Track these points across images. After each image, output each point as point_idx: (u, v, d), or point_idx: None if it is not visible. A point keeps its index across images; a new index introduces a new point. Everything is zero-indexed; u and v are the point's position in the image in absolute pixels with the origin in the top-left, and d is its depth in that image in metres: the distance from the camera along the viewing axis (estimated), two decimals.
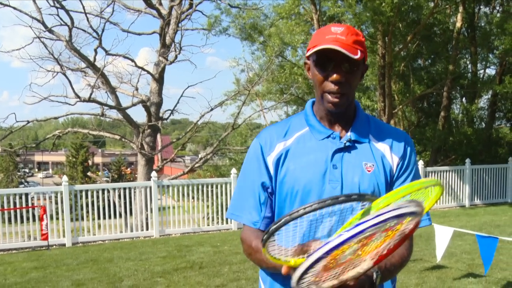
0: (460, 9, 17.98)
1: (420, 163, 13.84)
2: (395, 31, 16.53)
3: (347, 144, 1.80)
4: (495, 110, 21.92)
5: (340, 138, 1.81)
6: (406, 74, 19.92)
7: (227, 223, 11.94)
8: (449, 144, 19.55)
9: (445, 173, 14.63)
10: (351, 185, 1.75)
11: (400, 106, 18.70)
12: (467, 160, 14.99)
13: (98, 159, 67.92)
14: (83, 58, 14.55)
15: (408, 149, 1.86)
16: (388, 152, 1.82)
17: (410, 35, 17.00)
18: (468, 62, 21.79)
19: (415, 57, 20.47)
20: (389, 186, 1.80)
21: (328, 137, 1.81)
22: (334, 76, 1.69)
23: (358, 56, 1.66)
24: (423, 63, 21.82)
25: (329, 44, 1.66)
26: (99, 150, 75.02)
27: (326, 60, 1.71)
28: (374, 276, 1.48)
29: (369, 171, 1.77)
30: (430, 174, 14.08)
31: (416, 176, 1.86)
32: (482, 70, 22.21)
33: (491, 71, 23.45)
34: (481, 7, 20.90)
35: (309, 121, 1.87)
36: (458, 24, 17.95)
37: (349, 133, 1.82)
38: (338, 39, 1.67)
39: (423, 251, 8.34)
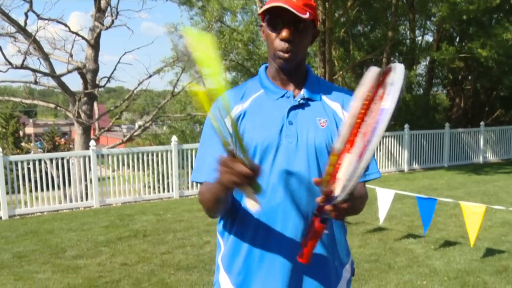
0: None
1: None
2: None
3: (301, 101, 1.90)
4: (432, 76, 22.42)
5: (294, 97, 1.91)
6: (346, 40, 19.93)
7: (168, 191, 11.77)
8: None
9: (385, 139, 14.85)
10: (306, 139, 1.84)
11: (340, 72, 18.76)
12: (406, 126, 15.29)
13: (29, 130, 65.19)
14: (13, 22, 13.85)
15: None
16: (340, 109, 1.92)
17: (350, 1, 17.00)
18: (406, 29, 22.01)
19: (355, 23, 20.47)
20: None
21: (282, 96, 1.91)
22: (284, 34, 1.79)
23: (306, 16, 1.76)
24: (363, 29, 21.88)
25: (279, 2, 1.75)
26: (30, 120, 72.23)
27: (277, 20, 1.81)
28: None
29: (322, 126, 1.87)
30: None
31: None
32: (420, 37, 22.52)
33: (428, 38, 23.90)
34: None
35: (263, 84, 1.96)
36: None
37: (302, 92, 1.92)
38: (288, 0, 1.76)
39: (365, 215, 8.47)
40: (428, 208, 6.45)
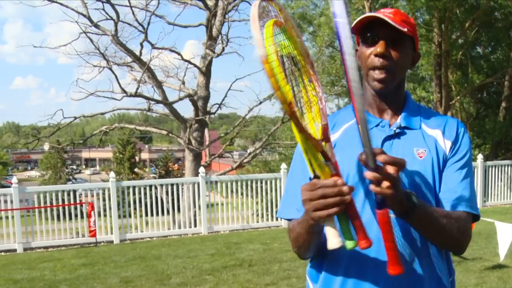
0: None
1: (480, 157, 13.27)
2: (452, 17, 15.94)
3: (397, 131, 1.75)
4: None
5: (390, 126, 1.77)
6: (464, 63, 19.11)
7: (277, 220, 11.61)
8: (510, 136, 18.68)
9: (506, 168, 13.86)
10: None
11: (458, 97, 18.03)
12: None
13: (145, 155, 68.47)
14: (129, 52, 14.54)
15: (461, 132, 1.79)
16: (441, 137, 1.77)
17: (468, 21, 16.28)
18: None
19: (474, 44, 19.69)
20: (442, 171, 1.74)
21: (377, 125, 1.78)
22: (378, 49, 1.65)
23: (404, 30, 1.62)
24: (483, 51, 20.95)
25: (375, 13, 1.65)
26: (146, 146, 75.65)
27: (372, 36, 1.69)
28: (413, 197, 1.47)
29: (420, 157, 1.72)
30: (489, 169, 13.40)
31: (468, 163, 1.77)
32: None
33: None
34: None
35: None
36: None
37: (398, 120, 1.77)
38: (385, 14, 1.65)
39: (483, 250, 7.92)
40: None
